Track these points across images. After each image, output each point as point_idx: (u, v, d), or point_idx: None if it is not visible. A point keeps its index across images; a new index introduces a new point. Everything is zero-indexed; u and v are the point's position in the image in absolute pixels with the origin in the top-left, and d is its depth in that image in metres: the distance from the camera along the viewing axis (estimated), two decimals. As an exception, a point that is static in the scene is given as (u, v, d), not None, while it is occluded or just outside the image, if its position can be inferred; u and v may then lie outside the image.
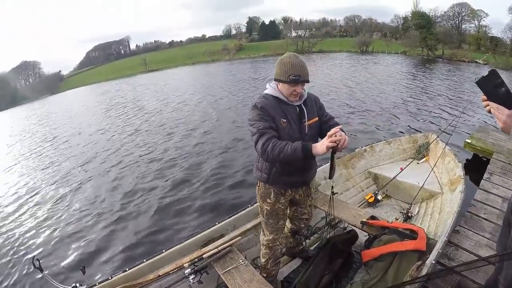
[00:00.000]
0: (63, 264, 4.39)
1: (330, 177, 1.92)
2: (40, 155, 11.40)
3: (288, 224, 2.79)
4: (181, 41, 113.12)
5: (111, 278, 2.37)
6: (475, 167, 3.72)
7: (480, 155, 5.41)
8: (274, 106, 2.02)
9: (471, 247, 2.80)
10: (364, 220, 2.84)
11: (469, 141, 5.55)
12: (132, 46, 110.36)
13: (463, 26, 59.74)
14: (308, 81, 2.00)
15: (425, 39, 52.08)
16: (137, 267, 2.48)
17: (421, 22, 55.07)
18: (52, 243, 4.99)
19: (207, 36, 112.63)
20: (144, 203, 5.76)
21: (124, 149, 9.64)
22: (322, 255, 2.74)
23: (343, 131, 1.80)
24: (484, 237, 2.93)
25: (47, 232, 5.39)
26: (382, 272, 2.33)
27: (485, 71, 1.33)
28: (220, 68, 42.82)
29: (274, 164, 2.13)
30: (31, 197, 7.24)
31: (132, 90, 29.55)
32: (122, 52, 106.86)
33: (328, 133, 1.73)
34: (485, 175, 4.16)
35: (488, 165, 4.48)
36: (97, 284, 2.30)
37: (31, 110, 35.70)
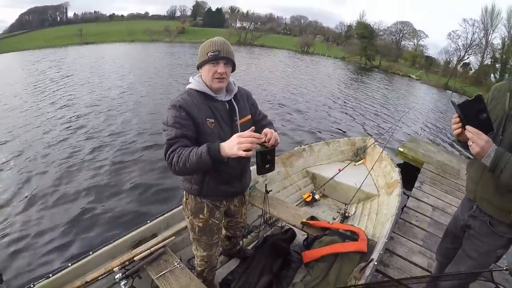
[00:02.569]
0: None
1: (257, 173, 1.60)
2: None
3: (223, 231, 2.59)
4: (122, 16, 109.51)
5: (33, 286, 2.07)
6: (406, 175, 3.91)
7: (412, 164, 5.71)
8: (199, 103, 1.74)
9: (405, 254, 2.91)
10: (304, 220, 2.78)
11: (401, 149, 5.86)
12: (70, 14, 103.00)
13: (403, 43, 66.25)
14: (231, 60, 1.76)
15: (365, 49, 55.72)
16: (61, 273, 2.19)
17: (364, 32, 58.99)
18: None
19: (150, 14, 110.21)
20: (68, 195, 5.14)
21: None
22: (260, 255, 2.66)
23: (275, 130, 1.68)
24: (416, 244, 3.09)
25: None
26: (323, 273, 2.29)
27: (459, 98, 1.34)
28: (159, 49, 41.30)
29: (206, 174, 1.84)
30: None
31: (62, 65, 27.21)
32: (58, 19, 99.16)
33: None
34: (416, 184, 4.47)
35: (419, 174, 4.82)
36: None
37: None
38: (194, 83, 1.80)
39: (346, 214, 3.60)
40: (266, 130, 1.60)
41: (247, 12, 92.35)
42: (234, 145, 1.43)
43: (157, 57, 30.11)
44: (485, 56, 46.39)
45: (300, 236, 3.18)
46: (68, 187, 5.33)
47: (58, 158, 6.45)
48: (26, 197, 5.09)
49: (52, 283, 2.13)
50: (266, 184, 2.70)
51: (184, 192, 2.04)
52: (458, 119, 1.40)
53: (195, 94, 1.77)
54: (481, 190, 1.61)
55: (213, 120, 1.74)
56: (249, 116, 1.95)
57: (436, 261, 2.29)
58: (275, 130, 1.72)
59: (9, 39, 78.16)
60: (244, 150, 1.41)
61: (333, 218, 3.62)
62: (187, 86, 1.82)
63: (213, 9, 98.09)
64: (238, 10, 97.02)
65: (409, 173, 5.02)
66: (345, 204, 3.80)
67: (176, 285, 2.17)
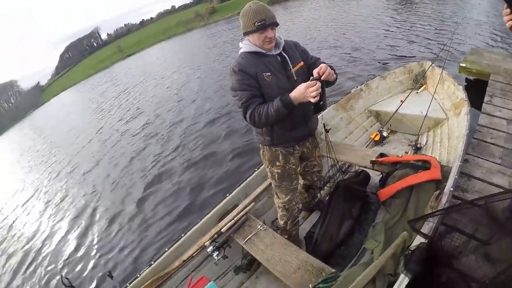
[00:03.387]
0: (87, 274, 4.38)
1: (324, 108, 1.81)
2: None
3: (300, 180, 2.72)
4: (151, 18, 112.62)
5: (140, 275, 2.35)
6: (474, 92, 3.59)
7: (477, 78, 5.21)
8: (254, 62, 1.91)
9: (483, 175, 2.72)
10: (374, 159, 2.77)
11: (463, 65, 5.33)
12: (104, 36, 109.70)
13: None
14: (276, 24, 1.89)
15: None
16: (162, 258, 2.46)
17: None
18: (69, 254, 5.05)
19: (177, 7, 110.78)
20: (142, 192, 5.86)
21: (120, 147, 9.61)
22: (335, 201, 2.70)
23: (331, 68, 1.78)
24: (494, 163, 2.85)
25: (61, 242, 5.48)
26: (402, 209, 2.29)
27: None
28: (197, 36, 41.76)
29: (275, 124, 2.01)
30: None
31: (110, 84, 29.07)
32: (95, 44, 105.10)
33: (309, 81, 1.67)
34: (486, 98, 3.99)
35: (487, 88, 4.29)
36: (128, 285, 2.28)
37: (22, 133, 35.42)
38: (245, 46, 1.96)
39: (418, 145, 3.47)
40: (322, 64, 1.71)
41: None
42: (303, 93, 1.67)
43: (201, 44, 30.33)
44: None
45: (375, 177, 3.18)
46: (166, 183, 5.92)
47: (141, 166, 7.17)
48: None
49: (154, 269, 2.39)
50: (324, 124, 2.84)
51: (260, 145, 2.25)
52: (508, 10, 1.26)
53: (248, 56, 1.94)
54: None
55: (269, 73, 1.90)
56: (302, 63, 2.04)
57: None
58: (332, 68, 1.81)
59: (59, 80, 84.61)
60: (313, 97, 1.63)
61: (405, 152, 3.56)
62: (240, 51, 1.98)
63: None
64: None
65: (477, 89, 4.56)
66: (415, 135, 3.66)
67: (261, 245, 2.35)
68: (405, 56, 8.72)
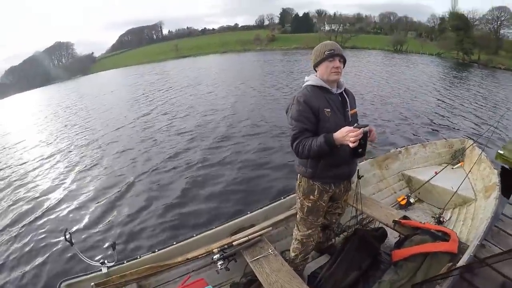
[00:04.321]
0: (93, 238, 4.60)
1: (361, 156, 1.95)
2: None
3: None
4: (213, 29, 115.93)
5: (140, 257, 2.45)
6: (506, 181, 3.60)
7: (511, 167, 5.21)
8: (317, 96, 2.05)
9: (494, 264, 2.68)
10: (397, 219, 2.81)
11: (501, 152, 5.35)
12: (165, 32, 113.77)
13: (502, 31, 57.14)
14: (344, 57, 2.09)
15: (461, 42, 50.28)
16: (166, 249, 2.56)
17: (459, 23, 53.13)
18: (84, 215, 5.27)
19: (239, 26, 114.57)
20: (178, 185, 5.96)
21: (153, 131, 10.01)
22: (349, 248, 2.74)
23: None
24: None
25: (82, 202, 5.72)
26: (412, 273, 2.31)
27: None
28: (252, 58, 43.19)
29: (320, 159, 2.13)
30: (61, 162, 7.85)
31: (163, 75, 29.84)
32: (155, 37, 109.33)
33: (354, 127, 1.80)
34: None
35: None
36: (125, 262, 2.38)
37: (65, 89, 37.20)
38: (312, 79, 2.14)
39: (441, 219, 3.48)
40: (371, 126, 1.92)
41: (334, 14, 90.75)
42: (345, 136, 1.79)
43: (256, 66, 31.50)
44: None
45: (392, 238, 3.19)
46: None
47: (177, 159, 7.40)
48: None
49: (156, 257, 2.50)
50: (358, 170, 2.87)
51: (299, 175, 2.37)
52: None
53: (313, 89, 2.10)
54: None
55: (329, 110, 2.04)
56: (356, 110, 2.22)
57: None
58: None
59: (112, 57, 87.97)
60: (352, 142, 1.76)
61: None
62: (305, 84, 2.15)
63: (300, 14, 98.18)
64: (325, 13, 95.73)
65: (508, 178, 4.58)
66: (441, 209, 3.67)
67: (268, 269, 2.40)
68: (450, 128, 8.78)
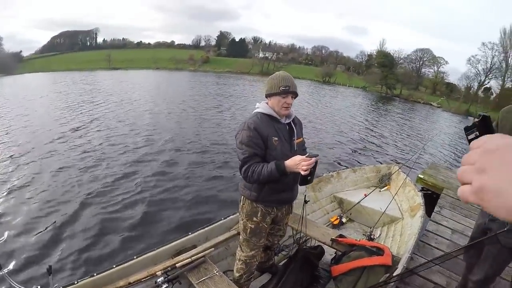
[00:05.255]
0: (26, 261, 4.08)
1: (310, 182, 2.05)
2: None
3: None
4: (149, 43, 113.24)
5: (77, 282, 2.26)
6: (426, 201, 4.10)
7: (431, 190, 5.81)
8: (267, 124, 2.14)
9: (424, 273, 2.99)
10: (334, 237, 2.98)
11: (421, 176, 5.99)
12: (99, 40, 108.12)
13: (423, 70, 64.91)
14: (297, 94, 2.18)
15: (386, 78, 55.56)
16: (106, 273, 2.39)
17: (384, 61, 58.99)
18: (14, 237, 4.67)
19: (175, 43, 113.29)
20: (115, 207, 5.58)
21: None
22: (293, 267, 2.84)
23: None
24: (435, 263, 3.16)
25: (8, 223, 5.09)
26: (351, 286, 2.46)
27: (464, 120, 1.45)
28: (183, 78, 42.80)
29: (266, 184, 2.20)
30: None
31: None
32: (88, 43, 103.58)
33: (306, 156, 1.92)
34: (436, 208, 4.58)
35: (439, 200, 4.93)
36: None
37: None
38: (262, 108, 2.21)
39: (372, 236, 3.74)
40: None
41: (270, 42, 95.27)
42: (297, 165, 1.91)
43: (188, 87, 31.05)
44: (506, 79, 46.23)
45: (328, 255, 3.34)
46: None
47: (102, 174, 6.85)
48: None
49: (95, 282, 2.32)
50: (305, 195, 3.06)
51: (242, 197, 2.39)
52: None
53: (263, 117, 2.17)
54: None
55: (277, 138, 2.14)
56: (302, 139, 2.33)
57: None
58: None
59: (41, 59, 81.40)
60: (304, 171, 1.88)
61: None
62: (255, 110, 2.23)
63: (237, 39, 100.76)
64: (261, 41, 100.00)
65: (429, 199, 5.11)
66: (371, 228, 3.97)
67: None
68: (377, 154, 9.49)
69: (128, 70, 60.43)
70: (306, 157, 1.91)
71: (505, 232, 1.73)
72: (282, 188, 2.25)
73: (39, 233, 4.78)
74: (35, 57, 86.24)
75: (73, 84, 29.88)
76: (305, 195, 3.06)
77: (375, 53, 71.19)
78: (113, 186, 6.38)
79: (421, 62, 64.30)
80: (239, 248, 2.60)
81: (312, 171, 1.93)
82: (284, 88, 2.09)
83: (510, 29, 45.32)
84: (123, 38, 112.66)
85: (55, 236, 4.68)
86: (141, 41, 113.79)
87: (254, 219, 2.34)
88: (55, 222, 5.07)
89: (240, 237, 2.54)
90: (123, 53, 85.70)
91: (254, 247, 2.47)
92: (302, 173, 1.88)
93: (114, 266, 2.47)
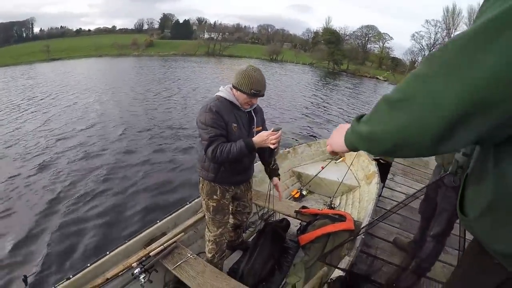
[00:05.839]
0: None
1: (276, 155, 2.29)
2: None
3: (230, 219, 2.93)
4: (89, 30, 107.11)
5: (55, 287, 2.23)
6: (379, 170, 4.40)
7: (382, 159, 6.15)
8: (228, 110, 2.18)
9: (384, 235, 3.29)
10: (298, 209, 3.15)
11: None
12: (36, 30, 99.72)
13: (369, 46, 67.70)
14: (263, 96, 2.23)
15: (332, 54, 56.97)
16: (81, 273, 2.37)
17: (331, 38, 60.25)
18: None
19: (117, 28, 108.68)
20: (77, 204, 5.41)
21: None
22: (264, 241, 2.97)
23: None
24: (394, 226, 3.47)
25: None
26: (319, 252, 2.63)
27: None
28: (128, 64, 41.04)
29: (222, 164, 2.28)
30: None
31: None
32: (24, 35, 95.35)
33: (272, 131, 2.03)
34: (389, 176, 4.89)
35: (391, 167, 5.24)
36: None
37: None
38: (226, 93, 2.22)
39: (332, 205, 3.95)
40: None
41: (215, 23, 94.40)
42: (265, 140, 2.02)
43: (132, 74, 29.69)
44: (448, 53, 49.78)
45: (293, 227, 3.54)
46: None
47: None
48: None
49: (73, 283, 2.29)
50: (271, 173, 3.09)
51: (201, 178, 2.47)
52: None
53: (224, 102, 2.20)
54: (447, 156, 2.11)
55: (236, 125, 2.20)
56: (261, 128, 2.39)
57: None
58: None
59: None
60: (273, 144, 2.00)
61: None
62: (217, 94, 2.24)
63: (181, 21, 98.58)
64: (206, 22, 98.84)
65: (381, 168, 5.46)
66: (330, 197, 4.18)
67: (192, 272, 2.45)
68: (330, 127, 9.81)
69: (70, 60, 56.54)
70: (273, 131, 2.00)
71: (447, 176, 1.92)
72: (236, 170, 2.37)
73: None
74: (-36, 53, 78.94)
75: (13, 80, 27.59)
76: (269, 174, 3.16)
77: (321, 31, 72.58)
78: (72, 183, 6.16)
79: (366, 38, 66.68)
80: (206, 229, 2.68)
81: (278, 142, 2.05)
82: (255, 92, 2.12)
83: (453, 8, 48.35)
84: (61, 26, 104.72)
85: (21, 245, 4.47)
86: (80, 28, 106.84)
87: (215, 197, 2.44)
88: (19, 230, 4.81)
89: (206, 217, 2.63)
90: (63, 42, 79.81)
91: (220, 224, 2.56)
92: (272, 146, 2.00)
93: (88, 265, 2.44)
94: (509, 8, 0.48)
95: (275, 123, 10.53)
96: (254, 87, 2.10)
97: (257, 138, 2.07)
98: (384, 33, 65.60)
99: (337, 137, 0.98)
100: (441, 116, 0.54)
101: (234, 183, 2.49)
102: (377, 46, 66.64)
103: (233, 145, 2.08)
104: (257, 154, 2.57)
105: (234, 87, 2.19)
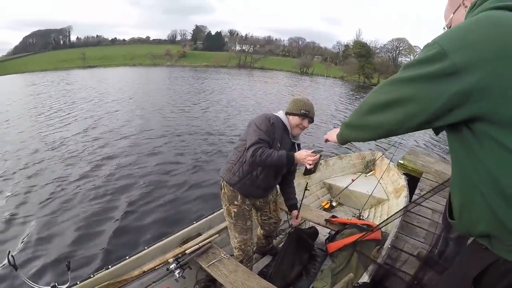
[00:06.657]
0: (39, 259, 4.14)
1: (314, 172, 2.33)
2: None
3: (259, 230, 3.15)
4: (124, 40, 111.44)
5: (93, 276, 2.37)
6: (407, 185, 4.45)
7: (412, 174, 6.15)
8: (280, 130, 2.41)
9: (409, 249, 3.26)
10: (328, 218, 3.25)
11: (401, 161, 6.29)
12: (73, 38, 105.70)
13: (399, 59, 65.62)
14: (313, 121, 2.50)
15: (363, 67, 56.17)
16: (120, 264, 2.54)
17: (361, 51, 59.44)
18: (27, 235, 4.75)
19: (151, 39, 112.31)
20: (122, 202, 5.74)
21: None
22: (289, 246, 3.07)
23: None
24: (418, 241, 3.46)
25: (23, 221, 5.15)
26: (346, 260, 2.74)
27: None
28: (163, 74, 42.35)
29: (251, 173, 2.44)
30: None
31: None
32: (61, 42, 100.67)
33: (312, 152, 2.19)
34: (416, 191, 4.81)
35: (419, 183, 5.18)
36: (78, 283, 2.27)
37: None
38: (282, 116, 2.50)
39: (361, 217, 4.03)
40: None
41: (246, 35, 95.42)
42: (303, 159, 2.15)
43: (178, 82, 30.79)
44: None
45: (322, 236, 3.64)
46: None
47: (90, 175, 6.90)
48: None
49: (111, 273, 2.47)
50: (307, 183, 3.36)
51: (222, 184, 2.64)
52: None
53: (280, 122, 2.46)
54: None
55: (280, 145, 2.39)
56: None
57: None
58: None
59: (13, 61, 78.72)
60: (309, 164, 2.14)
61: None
62: (277, 114, 2.52)
63: (213, 33, 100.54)
64: (237, 34, 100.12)
65: (410, 183, 5.46)
66: (359, 210, 4.27)
67: (225, 270, 2.57)
68: (362, 142, 9.82)
69: (105, 68, 58.93)
70: (312, 152, 2.17)
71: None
72: (258, 184, 2.52)
73: (53, 232, 4.88)
74: (7, 59, 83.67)
75: (52, 84, 28.96)
76: (307, 183, 3.33)
77: (352, 44, 72.03)
78: (114, 188, 6.44)
79: (397, 51, 65.64)
80: (231, 236, 2.76)
81: (316, 164, 2.19)
82: (304, 112, 2.41)
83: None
84: (97, 35, 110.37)
85: (67, 235, 4.77)
86: (115, 38, 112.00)
87: (236, 202, 2.57)
88: (67, 220, 5.16)
89: (228, 223, 2.74)
90: (98, 51, 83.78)
91: (242, 230, 2.64)
92: (308, 166, 2.14)
93: (127, 257, 2.61)
94: None
95: (307, 137, 10.71)
96: (303, 108, 2.41)
97: (297, 155, 2.20)
98: (415, 46, 64.75)
99: (332, 133, 1.49)
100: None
101: (252, 195, 2.63)
102: (408, 59, 64.45)
103: (274, 151, 2.20)
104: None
105: (287, 113, 2.49)
